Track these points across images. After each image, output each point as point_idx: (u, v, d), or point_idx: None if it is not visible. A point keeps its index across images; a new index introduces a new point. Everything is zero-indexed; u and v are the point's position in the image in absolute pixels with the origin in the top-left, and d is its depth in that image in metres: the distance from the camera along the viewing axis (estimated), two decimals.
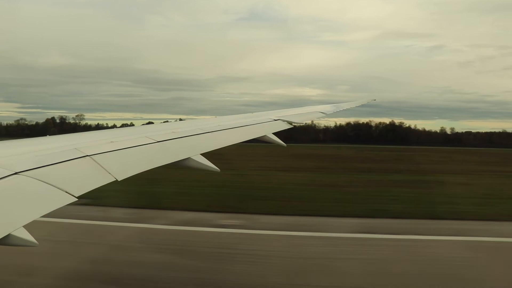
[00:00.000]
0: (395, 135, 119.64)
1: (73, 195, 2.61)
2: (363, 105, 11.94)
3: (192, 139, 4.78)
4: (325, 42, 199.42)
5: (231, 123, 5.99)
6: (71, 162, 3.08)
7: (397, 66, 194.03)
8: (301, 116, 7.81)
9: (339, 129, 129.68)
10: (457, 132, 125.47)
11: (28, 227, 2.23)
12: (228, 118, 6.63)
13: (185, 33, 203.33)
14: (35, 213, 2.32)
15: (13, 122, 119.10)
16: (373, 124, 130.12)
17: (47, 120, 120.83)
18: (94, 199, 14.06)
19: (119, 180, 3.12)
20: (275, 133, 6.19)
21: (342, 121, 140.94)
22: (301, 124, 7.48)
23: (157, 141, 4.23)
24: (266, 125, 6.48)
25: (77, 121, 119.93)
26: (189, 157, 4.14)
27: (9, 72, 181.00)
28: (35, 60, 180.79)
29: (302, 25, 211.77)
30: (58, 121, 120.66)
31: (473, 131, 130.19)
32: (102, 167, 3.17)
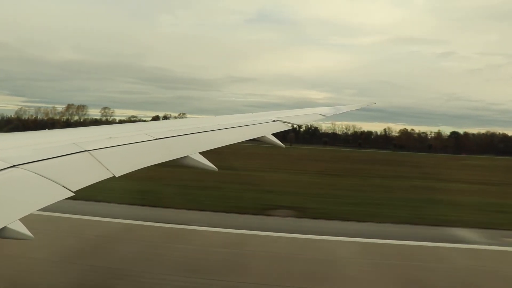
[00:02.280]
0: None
1: (70, 190, 2.60)
2: (362, 109, 11.91)
3: (191, 137, 4.77)
4: (334, 45, 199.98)
5: (230, 122, 5.97)
6: (69, 157, 3.07)
7: (405, 71, 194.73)
8: (301, 117, 7.80)
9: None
10: None
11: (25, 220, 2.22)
12: (227, 118, 6.61)
13: (193, 33, 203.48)
14: (32, 207, 2.31)
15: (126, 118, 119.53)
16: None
17: (153, 118, 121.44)
18: None
19: (116, 176, 3.11)
20: (274, 134, 6.18)
21: (343, 125, 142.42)
22: (300, 126, 7.46)
23: (156, 139, 4.22)
24: (265, 125, 6.46)
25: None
26: (187, 156, 4.13)
27: (16, 65, 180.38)
28: (44, 54, 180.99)
29: (311, 28, 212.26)
30: (161, 118, 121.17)
31: None
32: (100, 162, 3.15)
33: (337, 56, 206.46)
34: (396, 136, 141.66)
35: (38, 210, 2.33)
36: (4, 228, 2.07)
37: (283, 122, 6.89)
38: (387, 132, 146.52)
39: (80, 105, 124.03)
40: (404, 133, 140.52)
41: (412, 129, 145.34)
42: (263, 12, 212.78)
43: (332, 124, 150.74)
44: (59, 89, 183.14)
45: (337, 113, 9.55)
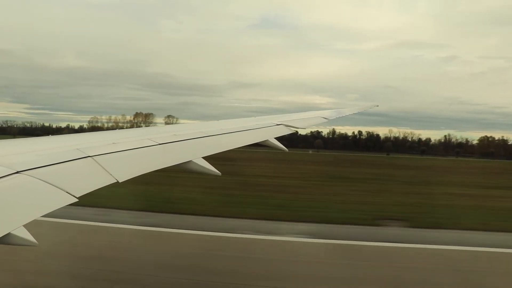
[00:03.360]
0: None
1: (74, 196, 2.60)
2: (365, 112, 11.91)
3: (193, 142, 4.77)
4: (337, 50, 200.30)
5: (233, 127, 5.97)
6: (73, 163, 3.07)
7: (408, 76, 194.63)
8: (304, 121, 7.79)
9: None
10: None
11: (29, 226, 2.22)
12: (230, 122, 6.62)
13: (196, 38, 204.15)
14: (36, 213, 2.31)
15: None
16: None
17: None
18: None
19: (120, 181, 3.11)
20: (277, 138, 6.17)
21: (347, 129, 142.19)
22: (304, 129, 7.46)
23: (159, 144, 4.22)
24: (268, 129, 6.46)
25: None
26: (190, 160, 4.13)
27: (21, 72, 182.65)
28: (47, 61, 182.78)
29: (314, 33, 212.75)
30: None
31: None
32: (104, 168, 3.15)
33: (340, 61, 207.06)
34: (476, 144, 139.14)
35: (42, 216, 2.34)
36: (8, 234, 2.07)
37: (286, 126, 6.88)
38: (447, 139, 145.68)
39: (148, 113, 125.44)
40: (486, 140, 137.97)
41: (492, 136, 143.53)
42: (267, 17, 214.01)
43: (390, 130, 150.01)
44: (62, 96, 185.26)
45: (340, 116, 9.54)
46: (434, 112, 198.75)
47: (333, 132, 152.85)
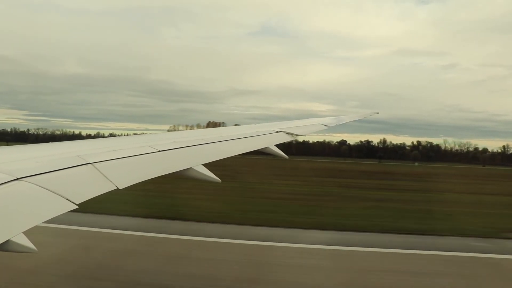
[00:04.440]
0: None
1: (73, 203, 2.59)
2: (365, 119, 11.90)
3: (193, 149, 4.77)
4: (337, 58, 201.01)
5: (233, 134, 5.97)
6: (73, 169, 3.07)
7: (408, 83, 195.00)
8: (304, 128, 7.80)
9: None
10: None
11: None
12: (230, 129, 6.63)
13: (197, 45, 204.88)
14: (35, 220, 2.30)
15: None
16: None
17: None
18: None
19: (120, 188, 3.11)
20: (277, 145, 6.16)
21: (346, 136, 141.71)
22: (303, 136, 7.46)
23: (159, 151, 4.22)
24: (268, 136, 6.46)
25: None
26: (190, 167, 4.13)
27: (20, 79, 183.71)
28: (48, 68, 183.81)
29: (314, 40, 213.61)
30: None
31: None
32: (104, 175, 3.15)
33: (340, 68, 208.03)
34: None
35: (42, 223, 2.33)
36: (8, 241, 2.07)
37: (286, 133, 6.89)
38: (505, 149, 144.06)
39: (220, 122, 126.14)
40: None
41: None
42: (267, 25, 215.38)
43: (444, 140, 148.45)
44: (62, 103, 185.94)
45: (340, 123, 9.55)
46: (433, 119, 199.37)
47: (384, 141, 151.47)
